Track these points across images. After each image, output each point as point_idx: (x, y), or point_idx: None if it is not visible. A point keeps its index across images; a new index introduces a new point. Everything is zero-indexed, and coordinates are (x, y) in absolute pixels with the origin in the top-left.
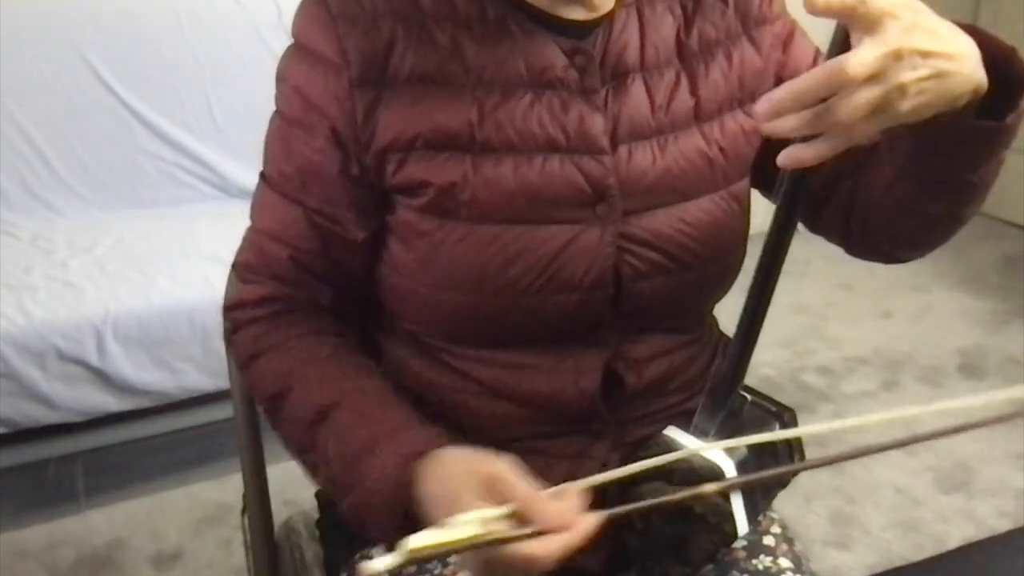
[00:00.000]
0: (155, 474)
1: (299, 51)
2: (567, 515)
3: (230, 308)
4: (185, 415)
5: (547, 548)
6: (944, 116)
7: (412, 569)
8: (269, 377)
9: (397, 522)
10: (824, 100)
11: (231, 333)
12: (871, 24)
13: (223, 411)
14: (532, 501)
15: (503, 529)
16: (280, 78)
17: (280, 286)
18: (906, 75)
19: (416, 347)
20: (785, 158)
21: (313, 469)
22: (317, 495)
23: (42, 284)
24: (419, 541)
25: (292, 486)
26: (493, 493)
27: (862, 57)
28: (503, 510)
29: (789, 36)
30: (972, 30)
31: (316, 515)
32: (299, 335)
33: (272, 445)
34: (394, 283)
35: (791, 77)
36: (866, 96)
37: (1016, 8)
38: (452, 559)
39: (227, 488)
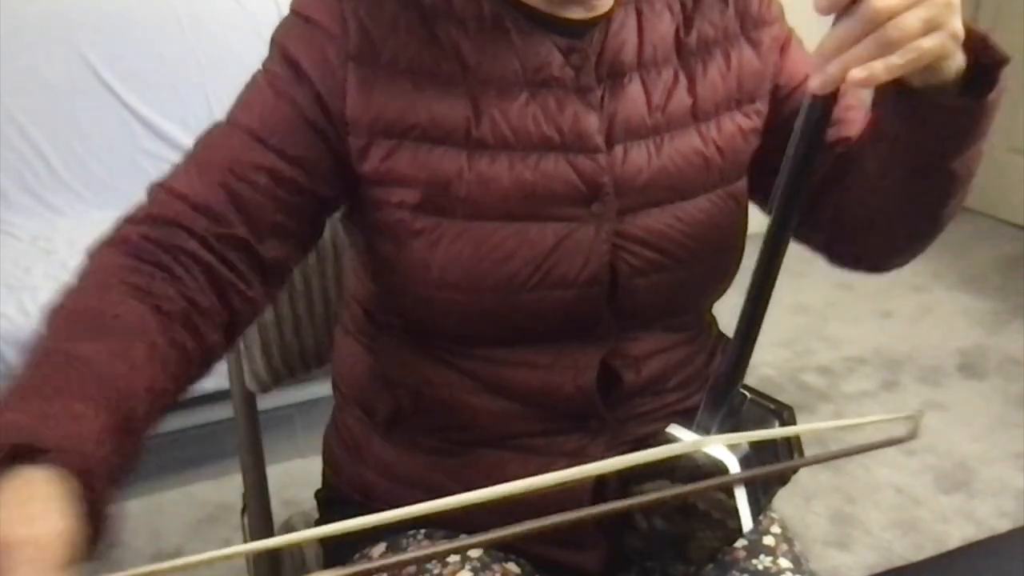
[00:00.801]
0: (155, 474)
1: (297, 18)
2: None
3: (127, 218)
4: (185, 415)
5: None
6: (927, 95)
7: (412, 569)
8: (76, 280)
9: None
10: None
11: (100, 242)
12: None
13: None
14: None
15: None
16: (273, 40)
17: (184, 209)
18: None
19: (412, 344)
20: (817, 78)
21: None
22: (317, 495)
23: (42, 284)
24: None
25: (292, 486)
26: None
27: None
28: None
29: (787, 41)
30: None
31: (316, 515)
32: (133, 284)
33: (272, 445)
34: (389, 283)
35: (788, 82)
36: (914, 18)
37: (1016, 8)
38: (452, 558)
39: (227, 488)
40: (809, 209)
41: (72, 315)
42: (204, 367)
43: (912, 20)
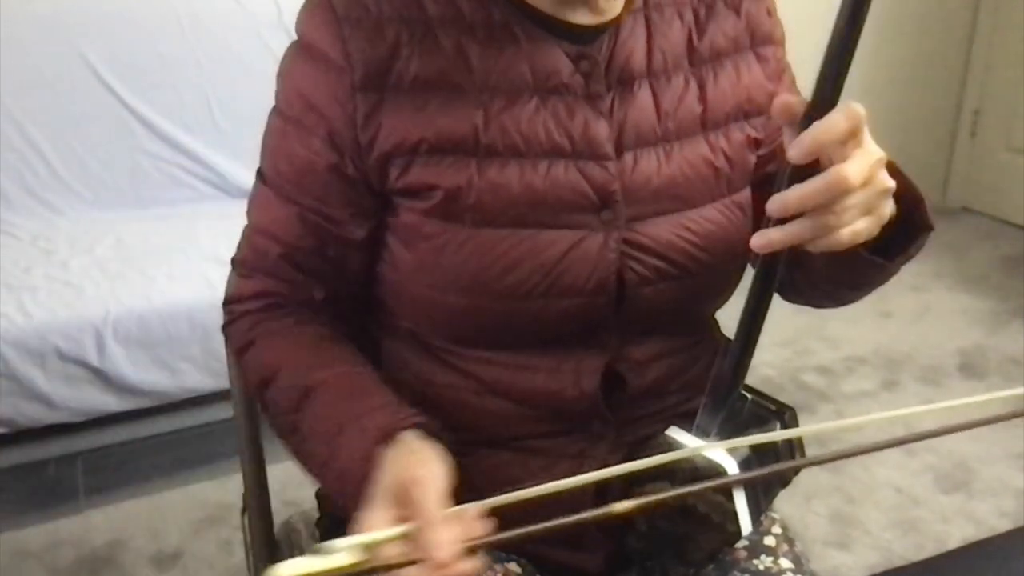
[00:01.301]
0: (155, 474)
1: (302, 50)
2: (447, 553)
3: (227, 302)
4: (185, 415)
5: None
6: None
7: None
8: (259, 363)
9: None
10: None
11: (227, 326)
12: (846, 148)
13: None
14: (429, 523)
15: (377, 556)
16: (281, 76)
17: (273, 282)
18: (886, 181)
19: (417, 346)
20: (759, 239)
21: (297, 453)
22: (317, 495)
23: (42, 284)
24: (287, 570)
25: (292, 486)
26: (404, 501)
27: (858, 166)
28: (393, 532)
29: (784, 70)
30: (891, 166)
31: (316, 515)
32: (289, 324)
33: (272, 445)
34: (395, 283)
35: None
36: (860, 198)
37: (1016, 8)
38: None
39: (227, 488)
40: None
41: (297, 365)
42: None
43: (855, 202)
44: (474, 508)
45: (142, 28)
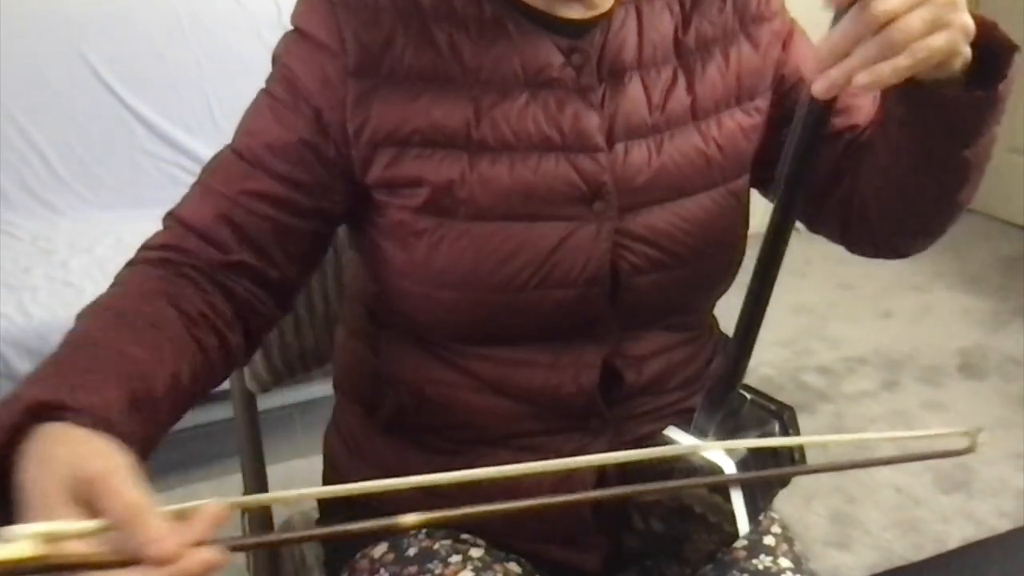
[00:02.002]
0: (155, 474)
1: (295, 34)
2: (172, 545)
3: (140, 247)
4: (185, 415)
5: None
6: (935, 89)
7: (414, 568)
8: (102, 299)
9: None
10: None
11: (125, 266)
12: None
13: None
14: (135, 517)
15: (77, 551)
16: (275, 58)
17: (187, 236)
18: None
19: (415, 344)
20: (865, 76)
21: None
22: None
23: (42, 284)
24: None
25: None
26: (88, 498)
27: None
28: (92, 524)
29: (788, 34)
30: None
31: (316, 515)
32: (159, 290)
33: (272, 445)
34: (391, 283)
35: (792, 75)
36: (917, 20)
37: (1016, 8)
38: (452, 558)
39: (227, 488)
40: (821, 198)
41: (101, 312)
42: (226, 368)
43: (915, 21)
44: (210, 505)
45: (142, 28)
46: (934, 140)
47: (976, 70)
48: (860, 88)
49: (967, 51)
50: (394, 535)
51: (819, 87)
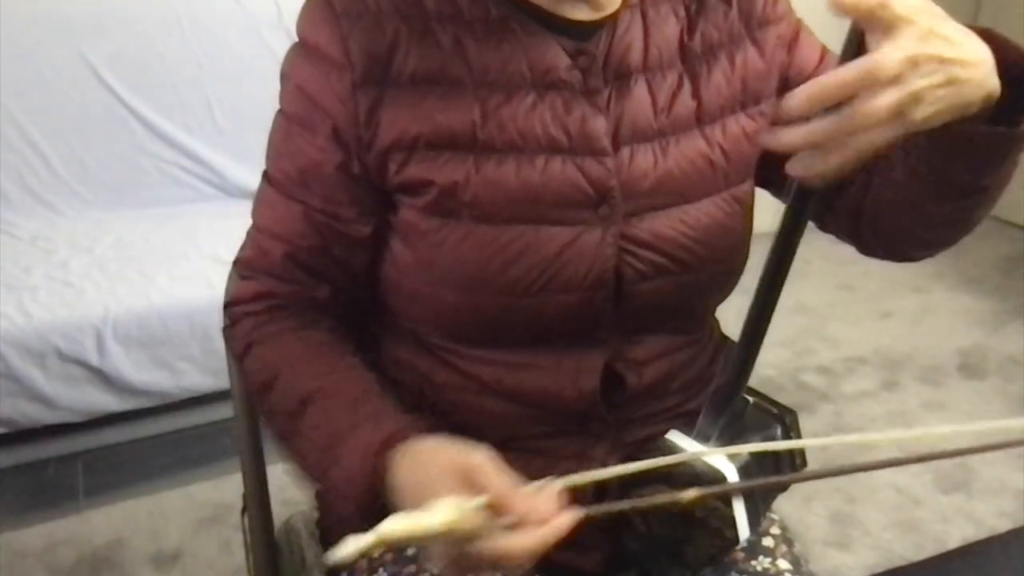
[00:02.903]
0: (155, 474)
1: (303, 49)
2: (544, 509)
3: (228, 304)
4: (185, 415)
5: (522, 543)
6: (956, 123)
7: (412, 569)
8: (259, 367)
9: (371, 510)
10: (839, 105)
11: (228, 328)
12: (889, 28)
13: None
14: (510, 493)
15: (479, 519)
16: (284, 76)
17: (276, 282)
18: (922, 82)
19: (417, 345)
20: (795, 165)
21: (295, 458)
22: (317, 495)
23: (42, 284)
24: (392, 525)
25: (292, 486)
26: (469, 483)
27: (889, 57)
28: (479, 500)
29: (794, 37)
30: (987, 35)
31: (316, 515)
32: (291, 328)
33: (272, 445)
34: (395, 281)
35: (797, 77)
36: (887, 99)
37: (1016, 8)
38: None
39: (227, 488)
40: (833, 200)
41: (298, 368)
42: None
43: (881, 103)
44: (556, 482)
45: (142, 28)
46: (952, 169)
47: (1004, 102)
48: (815, 178)
49: (991, 87)
50: None
51: (767, 139)
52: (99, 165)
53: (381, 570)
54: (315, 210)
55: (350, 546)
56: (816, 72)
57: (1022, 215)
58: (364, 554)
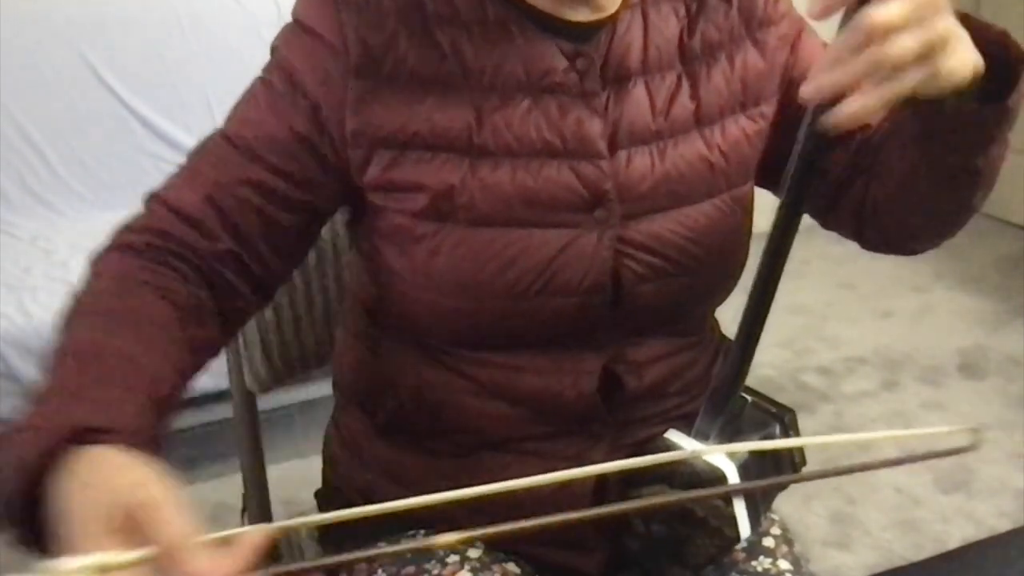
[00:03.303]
0: None
1: (297, 27)
2: (222, 572)
3: (118, 229)
4: (185, 415)
5: None
6: (948, 103)
7: (412, 569)
8: (79, 295)
9: (23, 497)
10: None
11: (103, 250)
12: None
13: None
14: (182, 548)
15: None
16: (273, 49)
17: (174, 221)
18: (945, 22)
19: (415, 348)
20: (842, 110)
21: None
22: (317, 495)
23: (42, 284)
24: None
25: (292, 486)
26: (132, 529)
27: (886, 5)
28: (136, 555)
29: (797, 36)
30: (963, 17)
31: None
32: (138, 280)
33: (272, 445)
34: (391, 287)
35: (800, 76)
36: (911, 40)
37: (1016, 8)
38: (451, 558)
39: (227, 488)
40: (835, 200)
41: (93, 314)
42: (209, 358)
43: (905, 44)
44: (252, 533)
45: (142, 28)
46: (946, 152)
47: (988, 80)
48: (846, 118)
49: (977, 60)
50: (398, 535)
51: (806, 90)
52: (99, 165)
53: (381, 570)
54: (265, 167)
55: None
56: None
57: (1022, 215)
58: None
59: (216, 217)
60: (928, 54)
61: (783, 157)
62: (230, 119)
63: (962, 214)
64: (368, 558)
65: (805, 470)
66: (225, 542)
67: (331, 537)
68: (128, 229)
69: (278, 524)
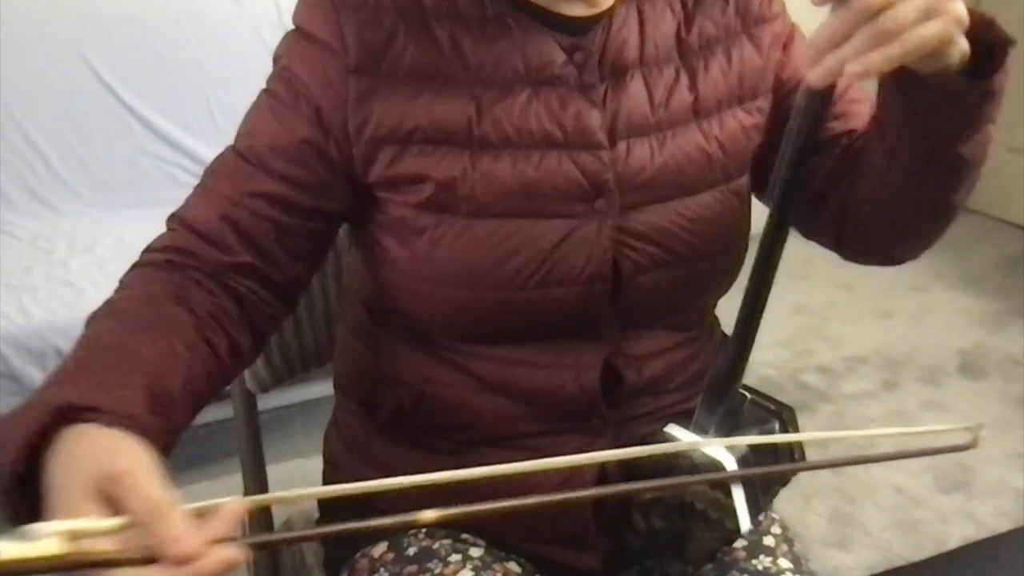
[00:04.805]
0: None
1: (296, 33)
2: (193, 544)
3: (143, 250)
4: None
5: None
6: (932, 81)
7: (414, 568)
8: (108, 307)
9: (13, 471)
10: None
11: (128, 270)
12: None
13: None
14: (156, 515)
15: (98, 549)
16: (275, 58)
17: (192, 238)
18: None
19: (416, 344)
20: (857, 65)
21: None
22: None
23: (42, 284)
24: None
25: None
26: (109, 497)
27: None
28: (114, 522)
29: (789, 37)
30: None
31: (316, 515)
32: (160, 295)
33: (272, 445)
34: (392, 280)
35: (792, 76)
36: (914, 3)
37: (1016, 8)
38: (452, 557)
39: (227, 488)
40: (818, 204)
41: (113, 315)
42: (236, 368)
43: (907, 10)
44: (230, 504)
45: (142, 28)
46: (930, 137)
47: (974, 64)
48: (852, 77)
49: (963, 43)
50: (399, 533)
51: (814, 75)
52: (99, 165)
53: (382, 569)
54: (273, 178)
55: None
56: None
57: (1022, 215)
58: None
59: (232, 232)
60: (929, 16)
61: (773, 157)
62: (239, 134)
63: (944, 212)
64: (340, 532)
65: (802, 462)
66: (202, 513)
67: (332, 538)
68: (151, 249)
69: (254, 497)
